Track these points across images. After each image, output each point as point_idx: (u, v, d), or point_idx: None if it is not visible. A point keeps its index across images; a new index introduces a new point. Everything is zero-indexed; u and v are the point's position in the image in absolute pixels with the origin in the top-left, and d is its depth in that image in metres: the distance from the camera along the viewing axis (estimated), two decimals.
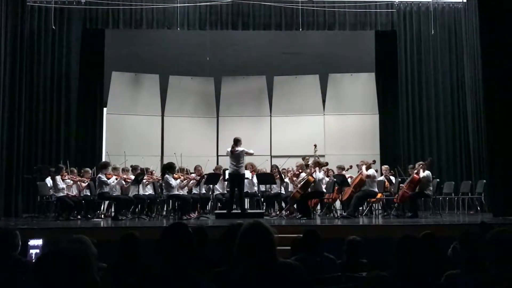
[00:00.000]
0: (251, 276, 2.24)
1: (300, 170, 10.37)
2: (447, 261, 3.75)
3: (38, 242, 4.82)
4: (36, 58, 11.79)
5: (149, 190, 10.54)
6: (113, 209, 10.12)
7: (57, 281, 1.68)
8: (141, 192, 10.12)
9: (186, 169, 10.81)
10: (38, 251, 4.72)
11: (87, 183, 10.12)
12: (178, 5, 11.94)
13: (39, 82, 11.78)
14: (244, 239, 2.29)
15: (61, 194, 9.53)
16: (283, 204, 10.63)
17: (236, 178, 9.57)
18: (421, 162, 10.02)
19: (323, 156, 11.99)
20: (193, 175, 10.72)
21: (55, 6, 11.80)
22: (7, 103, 10.36)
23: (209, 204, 11.15)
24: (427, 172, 9.69)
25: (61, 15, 11.97)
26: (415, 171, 9.86)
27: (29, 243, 4.64)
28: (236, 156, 9.51)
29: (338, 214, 10.18)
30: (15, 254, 3.53)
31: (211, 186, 10.64)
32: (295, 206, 9.89)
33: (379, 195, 10.28)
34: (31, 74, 11.58)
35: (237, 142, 9.61)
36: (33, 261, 3.95)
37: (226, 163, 10.37)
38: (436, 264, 3.35)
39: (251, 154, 9.90)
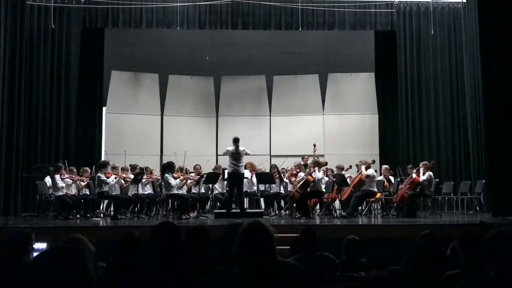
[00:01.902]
0: (251, 276, 2.24)
1: (298, 170, 10.38)
2: (446, 261, 3.75)
3: (42, 246, 4.77)
4: (36, 57, 11.77)
5: (148, 190, 10.54)
6: (112, 208, 10.12)
7: (53, 281, 1.67)
8: (140, 191, 10.11)
9: (186, 168, 10.80)
10: None
11: (86, 182, 10.12)
12: (178, 4, 11.93)
13: (38, 81, 11.76)
14: (243, 238, 2.28)
15: (60, 193, 9.52)
16: (283, 204, 10.63)
17: (236, 178, 9.58)
18: (425, 162, 9.99)
19: (323, 155, 11.98)
20: (192, 174, 10.73)
21: (55, 5, 11.78)
22: (6, 102, 10.36)
23: (209, 203, 11.15)
24: (429, 174, 9.69)
25: (60, 14, 11.96)
26: (415, 170, 9.87)
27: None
28: (237, 155, 9.53)
29: (338, 214, 10.18)
30: (25, 259, 3.40)
31: (210, 185, 10.64)
32: (294, 205, 9.90)
33: (378, 195, 10.29)
34: (31, 73, 11.57)
35: (238, 141, 9.64)
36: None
37: (225, 162, 10.36)
38: (436, 264, 3.36)
39: (249, 154, 9.94)
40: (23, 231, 3.64)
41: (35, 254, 4.35)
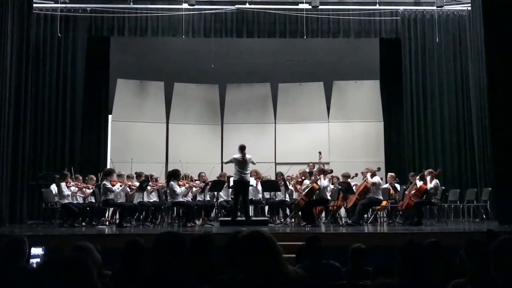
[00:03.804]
0: (254, 285, 2.23)
1: (303, 177, 10.36)
2: (455, 269, 3.73)
3: (39, 251, 4.78)
4: (42, 65, 11.87)
5: (153, 197, 10.55)
6: (117, 216, 10.14)
7: None
8: (145, 199, 10.12)
9: (191, 176, 10.81)
10: (38, 260, 4.68)
11: (92, 190, 10.14)
12: (183, 13, 12.00)
13: (44, 89, 11.84)
14: (242, 249, 2.26)
15: (66, 201, 9.55)
16: (288, 212, 10.61)
17: (242, 186, 9.58)
18: (430, 170, 9.95)
19: (328, 163, 11.96)
20: (197, 182, 10.73)
21: (61, 14, 11.87)
22: (12, 110, 10.40)
23: (214, 211, 11.14)
24: (435, 182, 9.64)
25: (66, 22, 12.05)
26: (417, 177, 9.83)
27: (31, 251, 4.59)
28: (243, 163, 9.53)
29: (343, 222, 10.14)
30: (21, 262, 3.48)
31: (216, 193, 10.63)
32: (299, 213, 9.87)
33: (384, 203, 10.25)
34: (37, 81, 11.65)
35: (244, 149, 9.64)
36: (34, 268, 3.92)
37: (230, 170, 10.35)
38: (443, 273, 3.34)
39: (254, 163, 9.94)
40: (14, 237, 3.71)
41: (32, 259, 4.37)
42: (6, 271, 3.32)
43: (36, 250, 4.74)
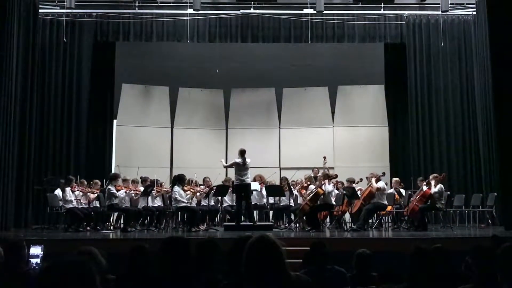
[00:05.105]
0: None
1: (309, 182, 10.36)
2: (461, 275, 3.70)
3: (38, 250, 4.77)
4: (48, 71, 11.93)
5: (158, 202, 10.55)
6: (122, 221, 10.15)
7: None
8: (150, 204, 10.13)
9: (195, 181, 10.82)
10: (38, 260, 4.69)
11: (96, 195, 10.16)
12: (188, 18, 12.04)
13: (50, 94, 11.90)
14: (251, 254, 2.26)
15: (71, 206, 9.57)
16: (292, 217, 10.58)
17: (243, 189, 9.62)
18: (435, 174, 9.92)
19: (333, 168, 11.95)
20: (202, 187, 10.74)
21: (67, 19, 11.95)
22: (18, 115, 10.46)
23: (218, 216, 11.13)
24: (440, 186, 9.61)
25: (72, 28, 12.12)
26: (424, 183, 9.79)
27: (30, 252, 4.57)
28: (244, 167, 9.56)
29: (348, 227, 10.11)
30: (21, 267, 3.50)
31: (220, 198, 10.63)
32: (304, 218, 9.85)
33: (389, 208, 10.21)
34: (42, 86, 11.72)
35: (245, 153, 9.67)
36: (35, 271, 3.93)
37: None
38: (448, 279, 3.32)
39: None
40: (14, 241, 3.72)
41: (31, 260, 4.37)
42: (5, 276, 3.33)
43: (35, 250, 4.74)
